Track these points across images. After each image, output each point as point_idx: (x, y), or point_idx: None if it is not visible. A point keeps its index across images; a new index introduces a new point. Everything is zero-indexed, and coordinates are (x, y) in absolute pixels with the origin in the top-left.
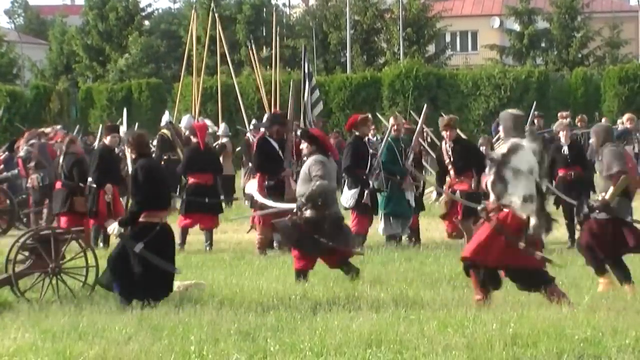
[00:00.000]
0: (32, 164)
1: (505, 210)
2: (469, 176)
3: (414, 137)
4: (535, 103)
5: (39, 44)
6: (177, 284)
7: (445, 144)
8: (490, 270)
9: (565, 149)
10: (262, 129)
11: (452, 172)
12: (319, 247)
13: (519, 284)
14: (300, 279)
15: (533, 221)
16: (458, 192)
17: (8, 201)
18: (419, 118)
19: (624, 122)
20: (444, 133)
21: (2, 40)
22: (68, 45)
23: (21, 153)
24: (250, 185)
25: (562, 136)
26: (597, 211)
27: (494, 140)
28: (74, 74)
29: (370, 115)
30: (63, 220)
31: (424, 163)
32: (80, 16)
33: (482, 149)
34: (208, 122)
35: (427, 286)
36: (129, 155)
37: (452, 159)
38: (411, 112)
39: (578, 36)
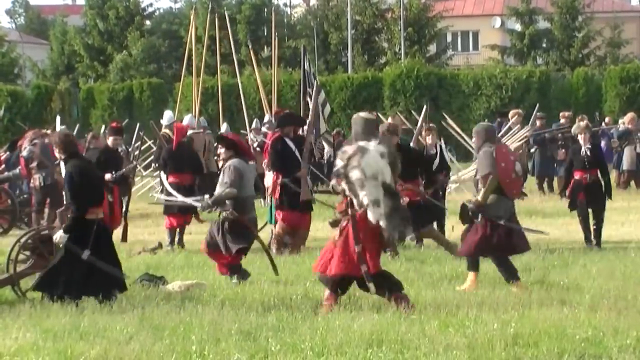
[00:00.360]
0: (34, 164)
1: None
2: (416, 183)
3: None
4: (537, 104)
5: (40, 44)
6: (178, 284)
7: None
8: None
9: (585, 152)
10: (269, 131)
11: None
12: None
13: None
14: (238, 275)
15: (383, 225)
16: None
17: (9, 201)
18: (420, 118)
19: (625, 122)
20: None
21: (3, 40)
22: (69, 45)
23: (24, 153)
24: (267, 180)
25: (582, 139)
26: (471, 213)
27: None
28: (75, 73)
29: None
30: None
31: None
32: (81, 16)
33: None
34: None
35: (428, 286)
36: (58, 155)
37: None
38: (412, 112)
39: (579, 36)
